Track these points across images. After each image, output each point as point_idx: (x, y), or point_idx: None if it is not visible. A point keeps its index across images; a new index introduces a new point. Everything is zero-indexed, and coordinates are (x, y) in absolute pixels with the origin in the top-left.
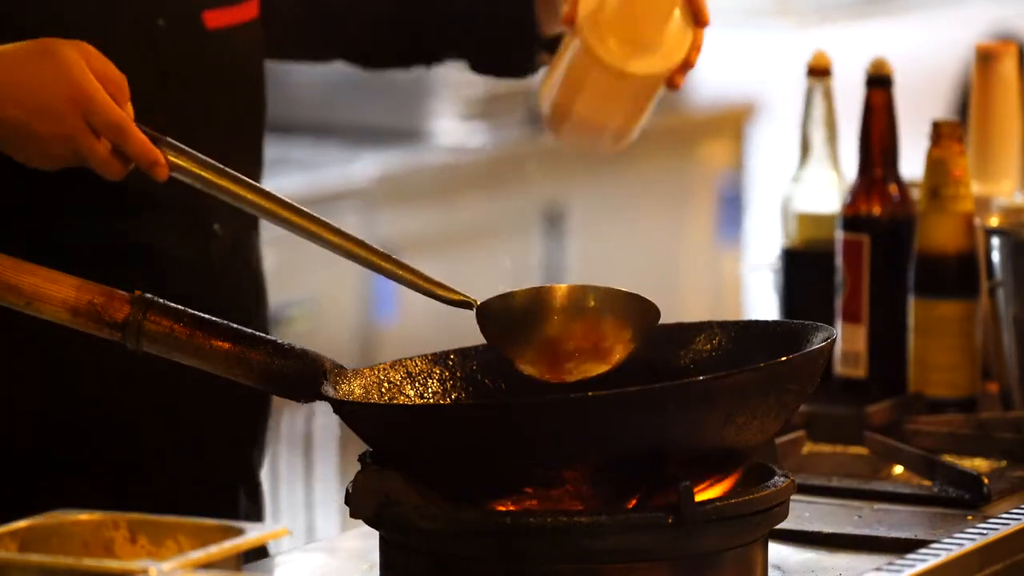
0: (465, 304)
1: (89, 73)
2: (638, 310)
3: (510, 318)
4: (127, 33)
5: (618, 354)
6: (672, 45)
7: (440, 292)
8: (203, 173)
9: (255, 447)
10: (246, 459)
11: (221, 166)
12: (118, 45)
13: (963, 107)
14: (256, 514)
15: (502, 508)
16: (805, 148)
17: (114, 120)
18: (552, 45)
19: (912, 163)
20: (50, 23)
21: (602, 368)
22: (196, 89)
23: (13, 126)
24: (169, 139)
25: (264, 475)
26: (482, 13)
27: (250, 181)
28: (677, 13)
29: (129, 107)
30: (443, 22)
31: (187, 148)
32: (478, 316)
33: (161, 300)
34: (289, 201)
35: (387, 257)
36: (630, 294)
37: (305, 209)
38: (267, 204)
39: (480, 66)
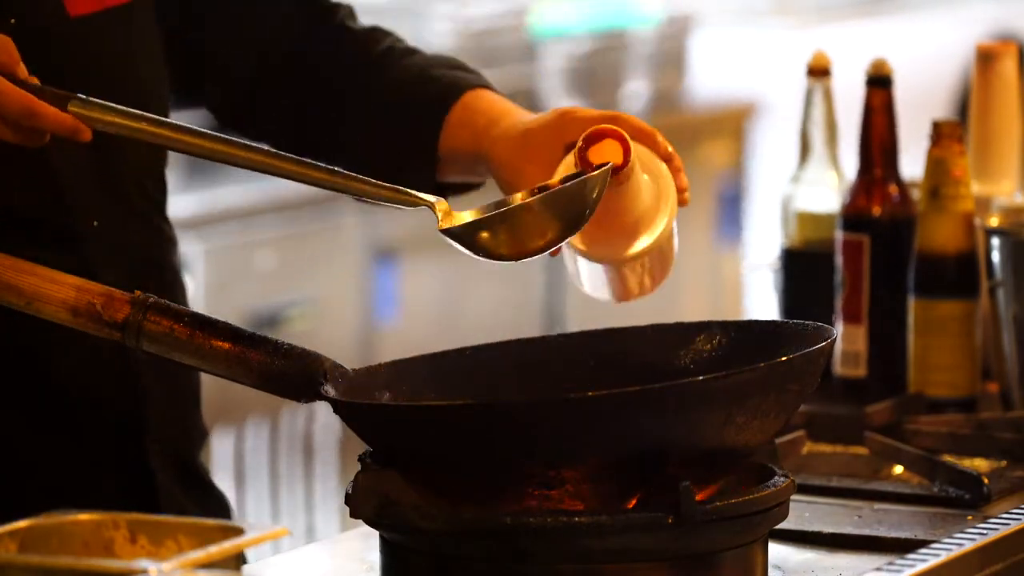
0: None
1: None
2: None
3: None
4: None
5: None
6: (657, 204)
7: (404, 197)
8: (120, 121)
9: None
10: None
11: (136, 111)
12: None
13: (963, 107)
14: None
15: (502, 508)
16: (805, 148)
17: (21, 107)
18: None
19: (912, 163)
20: None
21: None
22: (71, 85)
23: None
24: (79, 95)
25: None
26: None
27: (169, 120)
28: (646, 179)
29: (22, 66)
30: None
31: (97, 100)
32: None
33: (161, 300)
34: (209, 132)
35: (337, 172)
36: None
37: (226, 136)
38: (189, 138)
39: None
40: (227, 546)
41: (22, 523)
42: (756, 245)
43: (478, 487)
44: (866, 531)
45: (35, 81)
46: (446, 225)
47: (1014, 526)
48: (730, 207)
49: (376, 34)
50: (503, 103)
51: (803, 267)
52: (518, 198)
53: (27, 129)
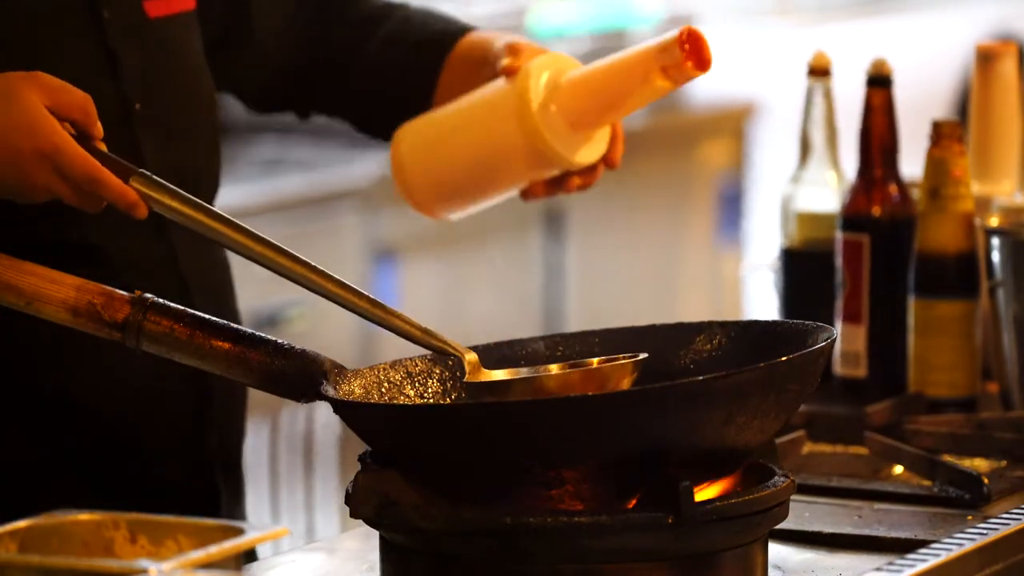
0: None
1: (52, 120)
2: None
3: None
4: (75, 21)
5: None
6: (601, 136)
7: (434, 343)
8: (177, 205)
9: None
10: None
11: (194, 199)
12: (66, 33)
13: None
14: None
15: (502, 508)
16: (805, 148)
17: (85, 173)
18: None
19: (912, 163)
20: None
21: None
22: (145, 75)
23: None
24: (142, 171)
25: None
26: (383, 77)
27: (225, 216)
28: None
29: (98, 126)
30: (341, 80)
31: (159, 180)
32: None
33: (161, 300)
34: (262, 236)
35: (378, 304)
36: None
37: (291, 251)
38: (246, 241)
39: (365, 128)
40: (227, 546)
41: (22, 523)
42: (756, 245)
43: (478, 487)
44: (866, 531)
45: (103, 148)
46: (473, 380)
47: (1014, 526)
48: (730, 207)
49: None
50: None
51: (803, 267)
52: (554, 369)
53: (87, 194)
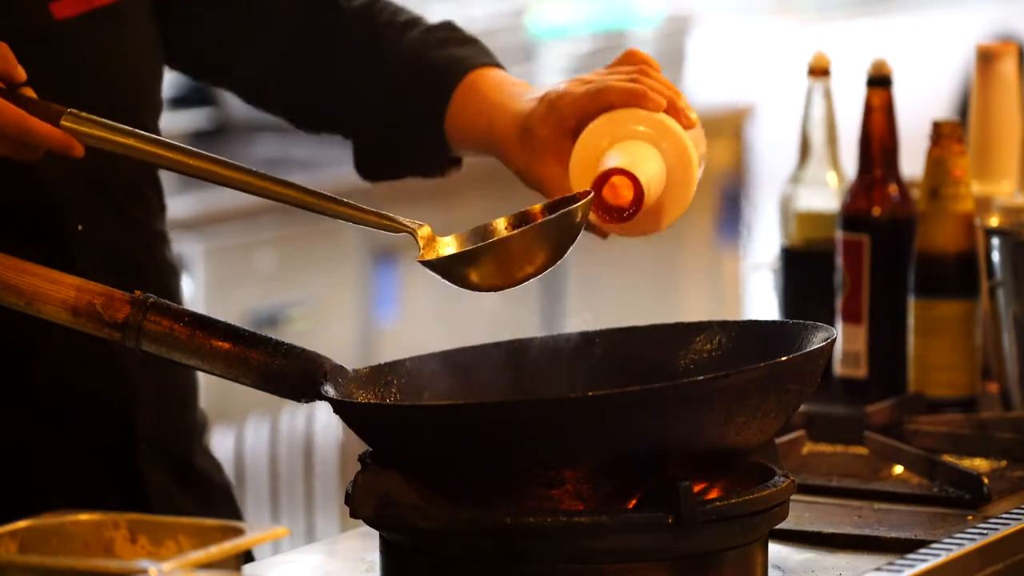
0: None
1: None
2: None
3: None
4: None
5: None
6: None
7: (385, 222)
8: (112, 136)
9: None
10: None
11: (127, 128)
12: None
13: (963, 107)
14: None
15: (502, 508)
16: (805, 148)
17: (10, 123)
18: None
19: (912, 163)
20: None
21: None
22: (59, 89)
23: None
24: (71, 110)
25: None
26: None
27: (159, 138)
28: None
29: (19, 70)
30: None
31: (89, 116)
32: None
33: (161, 300)
34: (197, 151)
35: (323, 195)
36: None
37: (225, 159)
38: (178, 156)
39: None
40: (227, 546)
41: (22, 523)
42: (756, 245)
43: (478, 487)
44: (866, 531)
45: (31, 94)
46: (427, 257)
47: (1014, 526)
48: (730, 207)
49: (372, 9)
50: (495, 93)
51: (803, 267)
52: (501, 227)
53: (18, 143)
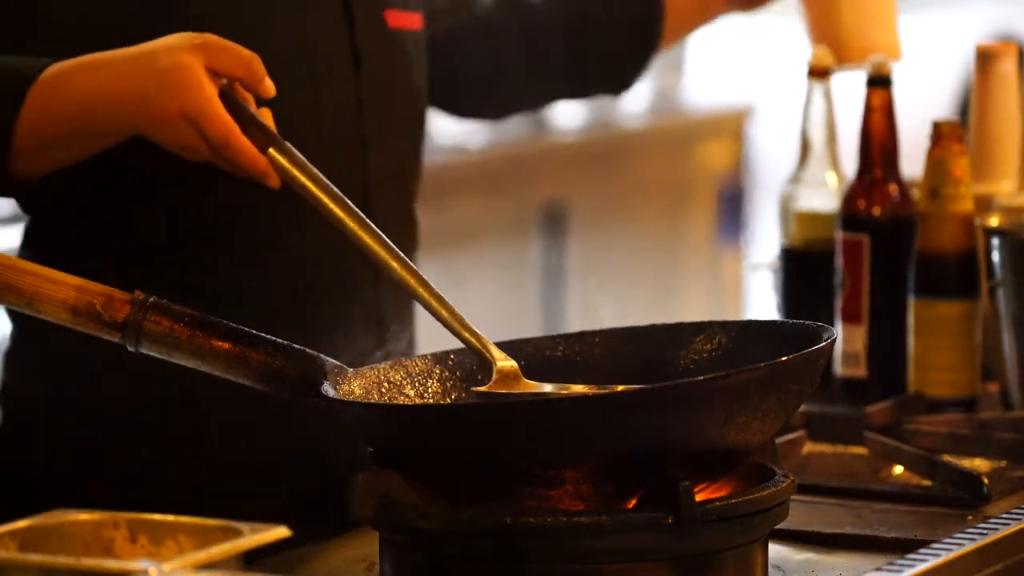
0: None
1: (203, 82)
2: None
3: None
4: (328, 16)
5: None
6: None
7: (476, 345)
8: (307, 184)
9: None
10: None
11: (327, 182)
12: (319, 23)
13: (963, 107)
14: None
15: (502, 508)
16: (805, 148)
17: (221, 137)
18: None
19: (912, 163)
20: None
21: None
22: (380, 76)
23: (143, 132)
24: (283, 142)
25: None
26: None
27: (352, 208)
28: None
29: (267, 83)
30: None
31: (297, 154)
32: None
33: (161, 300)
34: (367, 222)
35: (439, 299)
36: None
37: (377, 233)
38: (360, 233)
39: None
40: (227, 546)
41: (22, 523)
42: (756, 245)
43: (478, 487)
44: (866, 531)
45: (267, 117)
46: (483, 389)
47: (1014, 526)
48: (730, 207)
49: None
50: None
51: (803, 267)
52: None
53: (219, 156)
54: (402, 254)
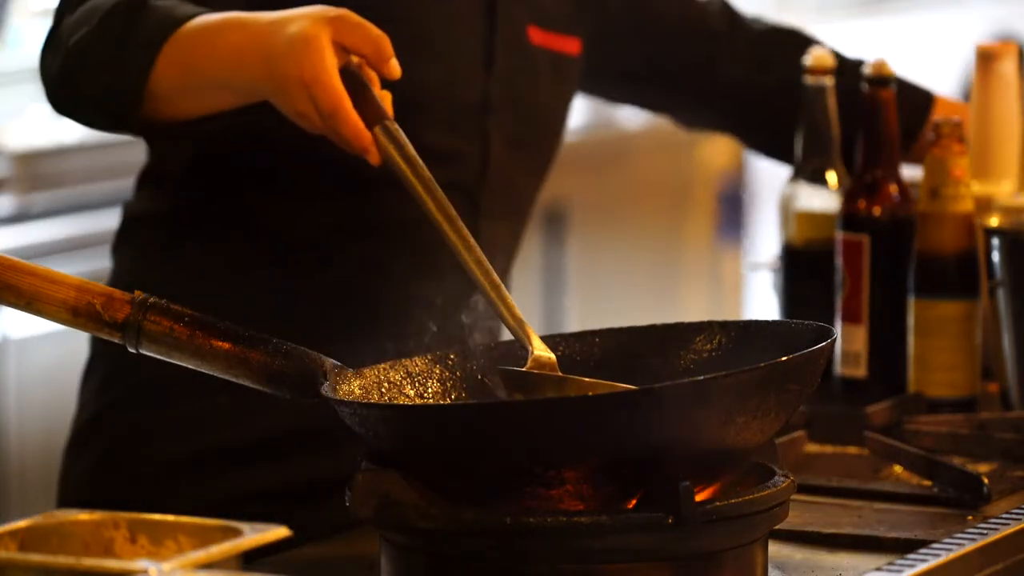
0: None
1: (325, 52)
2: None
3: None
4: (471, 15)
5: None
6: None
7: (520, 335)
8: (404, 167)
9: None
10: None
11: (425, 171)
12: (459, 21)
13: None
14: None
15: (502, 508)
16: (805, 148)
17: (330, 105)
18: None
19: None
20: None
21: None
22: (512, 83)
23: (265, 94)
24: (391, 122)
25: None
26: None
27: (444, 201)
28: None
29: (392, 64)
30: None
31: (402, 138)
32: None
33: (161, 300)
34: (452, 212)
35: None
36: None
37: (462, 228)
38: (446, 226)
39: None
40: (227, 546)
41: (22, 523)
42: (756, 245)
43: (478, 487)
44: (866, 531)
45: (387, 99)
46: (517, 367)
47: (1014, 526)
48: (730, 207)
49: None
50: None
51: (803, 267)
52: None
53: (326, 124)
54: (478, 249)
